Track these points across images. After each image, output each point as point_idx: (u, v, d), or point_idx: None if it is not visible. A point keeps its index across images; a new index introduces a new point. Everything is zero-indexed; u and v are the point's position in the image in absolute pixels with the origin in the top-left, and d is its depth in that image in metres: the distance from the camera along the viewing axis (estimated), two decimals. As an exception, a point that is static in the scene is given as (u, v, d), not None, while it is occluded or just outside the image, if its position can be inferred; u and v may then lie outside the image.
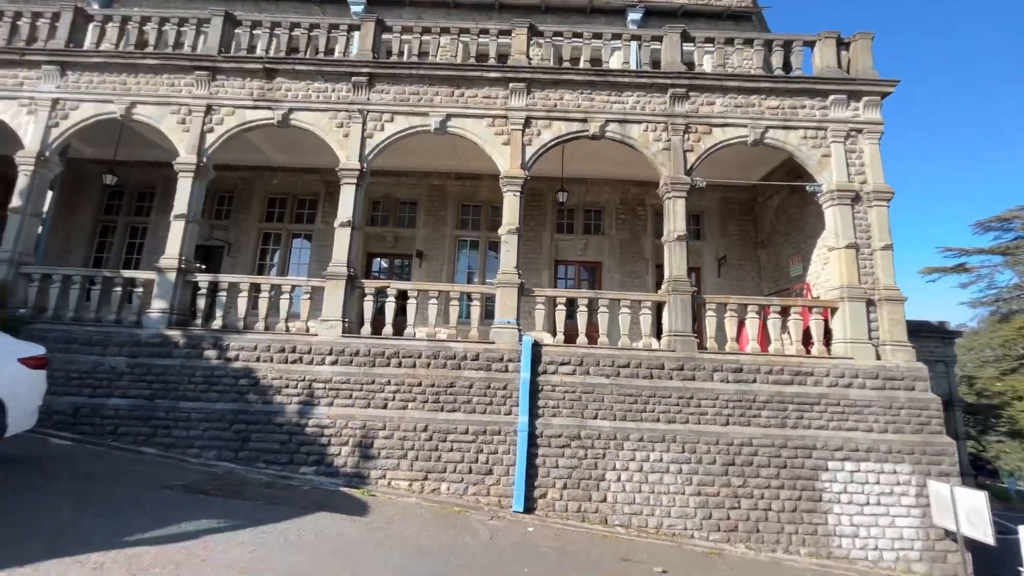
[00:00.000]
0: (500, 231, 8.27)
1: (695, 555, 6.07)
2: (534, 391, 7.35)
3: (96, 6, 11.48)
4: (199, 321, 8.01)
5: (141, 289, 8.10)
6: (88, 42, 9.06)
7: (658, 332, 8.15)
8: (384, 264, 12.29)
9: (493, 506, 6.83)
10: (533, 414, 7.23)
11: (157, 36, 9.11)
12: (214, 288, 8.21)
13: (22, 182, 8.35)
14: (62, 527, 3.65)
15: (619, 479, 7.04)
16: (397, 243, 11.92)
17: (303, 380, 7.41)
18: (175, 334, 7.68)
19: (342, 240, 8.15)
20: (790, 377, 7.47)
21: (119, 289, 8.05)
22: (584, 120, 8.55)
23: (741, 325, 8.14)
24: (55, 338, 7.50)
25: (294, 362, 7.54)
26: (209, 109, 8.63)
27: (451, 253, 11.78)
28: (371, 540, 4.65)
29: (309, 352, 7.55)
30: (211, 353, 7.58)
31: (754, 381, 7.47)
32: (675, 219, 8.17)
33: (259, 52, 9.06)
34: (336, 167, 8.50)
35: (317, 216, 11.87)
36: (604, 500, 6.97)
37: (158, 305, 7.83)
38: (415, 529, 5.20)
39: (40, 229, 8.89)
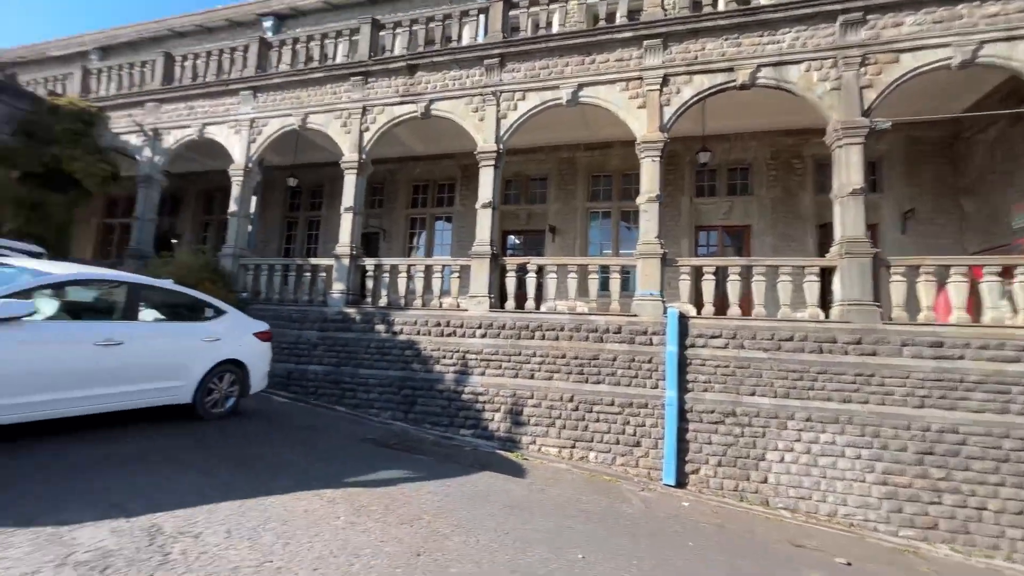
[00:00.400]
0: (638, 200, 7.97)
1: (883, 550, 5.40)
2: (682, 365, 7.08)
3: (269, 34, 13.43)
4: (369, 300, 9.20)
5: (324, 274, 9.55)
6: (272, 66, 10.66)
7: (823, 301, 7.22)
8: (518, 240, 12.71)
9: (643, 478, 6.83)
10: (682, 388, 6.99)
11: (320, 51, 10.38)
12: (378, 270, 9.30)
13: (235, 190, 10.31)
14: (299, 467, 4.57)
15: (782, 460, 6.51)
16: (530, 219, 12.22)
17: (457, 351, 8.12)
18: (352, 311, 8.94)
19: (484, 220, 8.60)
20: (1015, 353, 6.07)
21: (308, 274, 9.59)
22: (730, 69, 7.71)
23: (940, 290, 6.82)
24: (267, 316, 9.19)
25: (448, 335, 8.27)
26: (364, 110, 9.64)
27: (583, 226, 11.71)
28: (534, 500, 5.00)
29: (461, 326, 8.22)
30: (380, 327, 8.68)
31: (961, 358, 6.23)
32: (848, 170, 7.04)
33: (398, 51, 9.81)
34: (474, 150, 8.92)
35: (455, 199, 12.67)
36: (764, 481, 6.53)
37: (337, 287, 9.16)
38: (572, 493, 5.46)
39: (250, 228, 10.92)
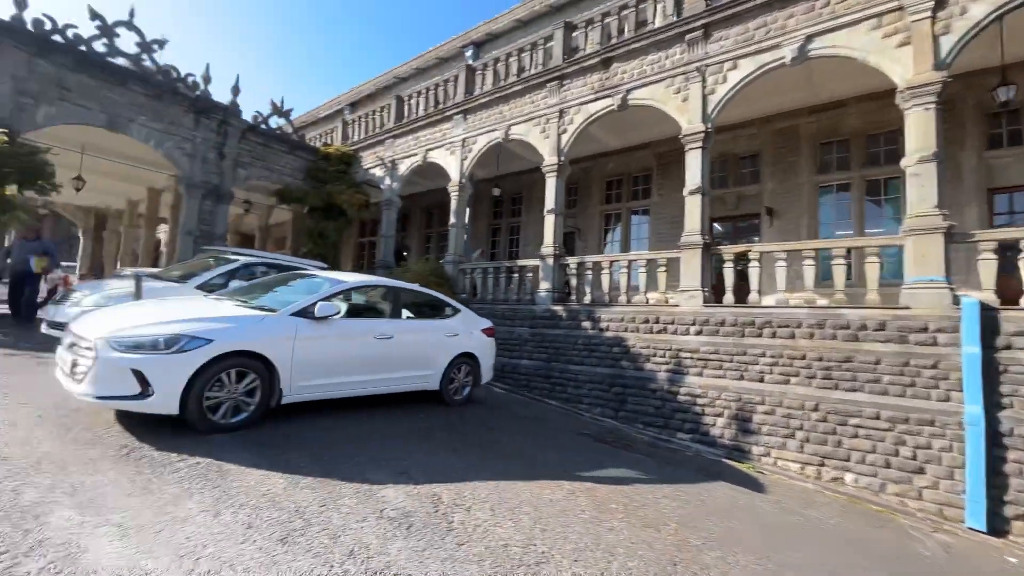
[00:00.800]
0: (904, 162, 6.33)
1: None
2: (990, 372, 5.32)
3: (471, 61, 14.92)
4: (573, 297, 9.39)
5: (531, 274, 10.11)
6: (477, 89, 11.82)
7: None
8: (720, 228, 11.47)
9: (929, 514, 5.35)
10: (992, 403, 5.25)
11: (517, 65, 11.06)
12: (581, 268, 9.42)
13: (453, 204, 11.71)
14: (534, 456, 4.82)
15: None
16: (739, 203, 10.91)
17: (669, 349, 7.66)
18: (558, 309, 9.24)
19: (692, 208, 7.94)
20: None
21: (516, 275, 10.28)
22: (1059, -39, 5.52)
23: None
24: (483, 314, 10.11)
25: (659, 332, 7.87)
26: (561, 113, 9.90)
27: (810, 204, 9.93)
28: (791, 523, 4.31)
29: (672, 322, 7.73)
30: (586, 324, 8.75)
31: None
32: None
33: (591, 48, 9.76)
34: (677, 135, 8.33)
35: (652, 190, 12.10)
36: None
37: (544, 286, 9.59)
38: (837, 521, 4.56)
39: (465, 236, 12.28)
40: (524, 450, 5.00)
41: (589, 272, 9.22)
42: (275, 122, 14.20)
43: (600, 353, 8.41)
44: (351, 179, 14.30)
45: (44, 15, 9.30)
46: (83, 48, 9.82)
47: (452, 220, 11.65)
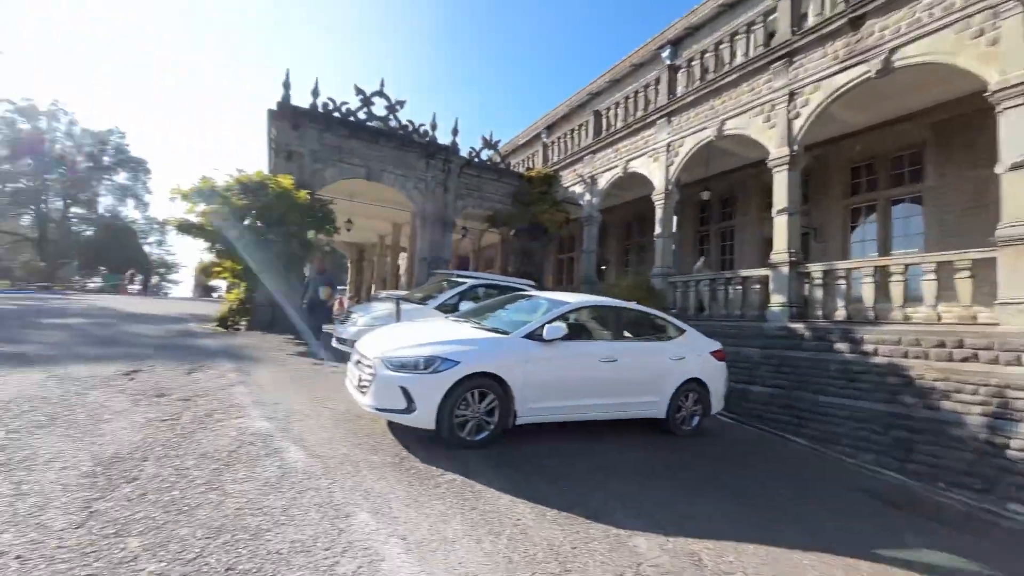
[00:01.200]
0: None
1: None
2: None
3: (669, 61, 14.04)
4: (819, 312, 7.73)
5: (758, 285, 8.75)
6: (680, 88, 10.99)
7: None
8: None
9: None
10: None
11: (729, 52, 9.88)
12: (828, 277, 7.72)
13: (658, 214, 11.03)
14: (801, 515, 3.92)
15: None
16: (1091, 174, 7.55)
17: (986, 384, 5.59)
18: (798, 327, 7.73)
19: (1016, 187, 5.72)
20: None
21: (739, 287, 9.02)
22: None
23: None
24: (700, 332, 9.20)
25: (963, 360, 5.83)
26: (791, 96, 8.41)
27: None
28: None
29: (988, 347, 5.64)
30: (841, 346, 7.08)
31: None
32: None
33: (831, 11, 8.05)
34: (982, 92, 6.19)
35: (925, 172, 9.34)
36: None
37: (776, 299, 8.17)
38: None
39: (673, 247, 11.45)
40: (785, 504, 4.12)
41: (841, 281, 7.48)
42: (485, 154, 15.71)
43: (866, 384, 6.67)
44: (552, 198, 14.82)
45: (329, 99, 12.09)
46: (352, 119, 12.43)
47: (657, 230, 10.96)
